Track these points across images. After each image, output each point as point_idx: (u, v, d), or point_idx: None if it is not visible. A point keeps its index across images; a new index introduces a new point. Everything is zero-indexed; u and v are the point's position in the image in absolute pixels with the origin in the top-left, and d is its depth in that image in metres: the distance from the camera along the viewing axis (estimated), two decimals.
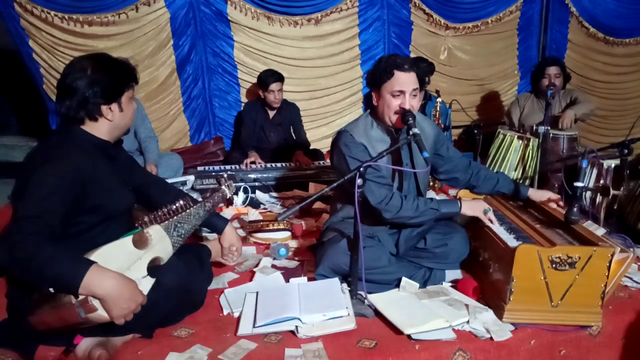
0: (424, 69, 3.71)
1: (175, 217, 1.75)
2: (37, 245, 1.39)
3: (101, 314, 1.45)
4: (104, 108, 1.65)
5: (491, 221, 2.12)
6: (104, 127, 1.68)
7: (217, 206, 2.02)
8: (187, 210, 1.80)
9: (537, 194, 2.36)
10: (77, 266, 1.42)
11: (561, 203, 2.29)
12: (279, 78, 3.97)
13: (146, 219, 1.68)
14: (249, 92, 4.51)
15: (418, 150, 2.00)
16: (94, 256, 1.48)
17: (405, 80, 2.05)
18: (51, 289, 1.45)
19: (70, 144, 1.61)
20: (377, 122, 2.19)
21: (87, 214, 1.59)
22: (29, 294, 1.50)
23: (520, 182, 3.23)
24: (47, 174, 1.50)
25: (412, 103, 2.07)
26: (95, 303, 1.43)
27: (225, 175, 2.17)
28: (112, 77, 1.65)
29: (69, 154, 1.56)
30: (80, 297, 1.42)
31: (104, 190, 1.62)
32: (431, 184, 3.44)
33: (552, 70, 3.67)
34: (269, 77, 3.94)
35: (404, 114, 2.04)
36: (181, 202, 1.80)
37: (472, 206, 2.15)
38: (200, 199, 1.98)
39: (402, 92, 2.05)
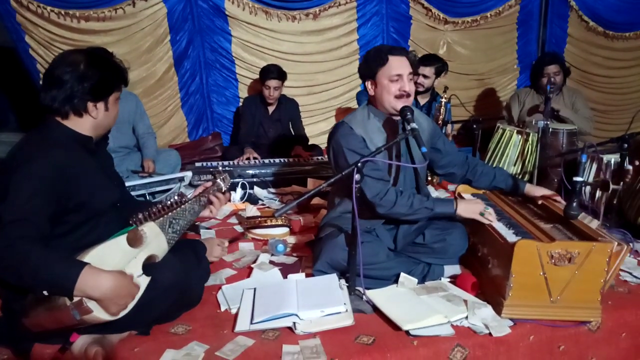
0: (439, 68, 3.76)
1: (170, 214, 1.72)
2: (26, 249, 1.37)
3: (97, 315, 1.43)
4: (90, 105, 1.61)
5: (490, 220, 2.09)
6: (87, 123, 1.64)
7: None
8: (182, 206, 1.77)
9: (533, 190, 2.33)
10: (69, 269, 1.40)
11: (558, 199, 2.27)
12: (278, 76, 3.92)
13: (140, 216, 1.64)
14: (250, 87, 4.49)
15: (416, 144, 1.99)
16: (88, 257, 1.46)
17: (400, 64, 2.10)
18: (45, 292, 1.42)
19: (50, 141, 1.57)
20: (375, 113, 2.19)
21: (71, 213, 1.56)
22: (23, 296, 1.48)
23: (520, 177, 3.22)
24: (29, 175, 1.47)
25: (410, 87, 2.11)
26: (91, 305, 1.41)
27: (221, 168, 2.15)
28: (103, 75, 1.62)
29: (50, 152, 1.52)
30: (75, 299, 1.41)
31: (86, 187, 1.58)
32: (429, 178, 3.43)
33: (551, 69, 3.66)
34: (268, 73, 3.91)
35: (402, 109, 2.05)
36: (176, 197, 1.77)
37: (468, 208, 2.12)
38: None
39: (399, 75, 2.08)
